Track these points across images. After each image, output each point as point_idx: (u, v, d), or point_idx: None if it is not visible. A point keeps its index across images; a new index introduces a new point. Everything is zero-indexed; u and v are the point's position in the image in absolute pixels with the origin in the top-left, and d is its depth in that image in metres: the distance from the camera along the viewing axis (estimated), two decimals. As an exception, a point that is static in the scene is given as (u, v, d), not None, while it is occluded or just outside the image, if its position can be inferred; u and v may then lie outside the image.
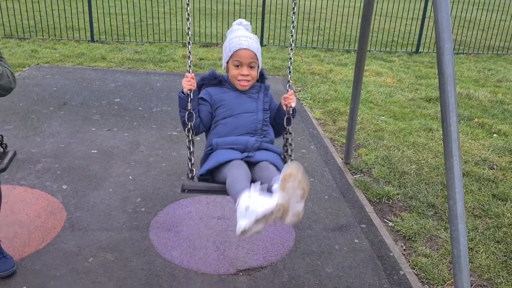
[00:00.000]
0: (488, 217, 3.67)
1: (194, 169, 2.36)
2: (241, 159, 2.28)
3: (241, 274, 2.88)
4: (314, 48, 9.99)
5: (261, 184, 2.06)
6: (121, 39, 9.64)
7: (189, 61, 2.43)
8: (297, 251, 3.13)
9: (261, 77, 2.57)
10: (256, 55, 2.40)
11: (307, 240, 3.26)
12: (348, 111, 4.52)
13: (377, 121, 5.69)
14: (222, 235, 3.26)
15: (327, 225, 3.46)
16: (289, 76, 2.62)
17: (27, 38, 9.21)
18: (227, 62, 2.44)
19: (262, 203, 1.86)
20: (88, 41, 9.38)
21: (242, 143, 2.35)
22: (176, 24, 10.75)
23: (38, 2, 11.26)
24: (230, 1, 13.98)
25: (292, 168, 1.86)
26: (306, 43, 10.29)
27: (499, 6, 12.98)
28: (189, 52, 2.42)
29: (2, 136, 2.73)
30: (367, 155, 4.71)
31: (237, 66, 2.39)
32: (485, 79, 8.21)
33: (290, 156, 2.49)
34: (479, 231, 3.47)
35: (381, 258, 3.11)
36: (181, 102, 2.39)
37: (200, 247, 3.11)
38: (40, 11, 10.27)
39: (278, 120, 2.57)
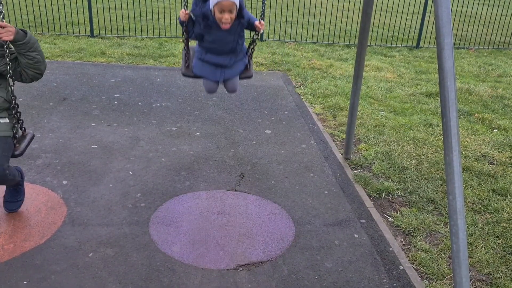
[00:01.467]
0: (488, 212, 3.67)
1: (189, 62, 3.40)
2: (215, 81, 3.37)
3: (241, 269, 2.88)
4: (314, 43, 9.97)
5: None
6: (121, 34, 9.62)
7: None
8: (297, 246, 3.14)
9: (240, 12, 3.09)
10: (235, 4, 2.99)
11: (306, 235, 3.27)
12: (348, 106, 4.52)
13: (377, 116, 5.69)
14: (222, 230, 3.27)
15: (326, 220, 3.46)
16: (263, 10, 3.30)
17: (27, 33, 9.18)
18: (213, 6, 3.01)
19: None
20: (88, 36, 9.36)
21: (221, 62, 3.31)
22: (176, 19, 10.71)
23: (38, -3, 11.23)
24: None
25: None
26: (306, 38, 10.27)
27: (500, 1, 12.93)
28: None
29: (22, 120, 3.01)
30: (367, 150, 4.71)
31: (220, 12, 2.98)
32: (486, 74, 8.20)
33: (251, 55, 3.46)
34: (479, 226, 3.47)
35: (381, 253, 3.12)
36: (180, 23, 3.20)
37: (200, 242, 3.12)
38: (39, 6, 10.24)
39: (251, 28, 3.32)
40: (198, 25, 3.16)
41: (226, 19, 3.01)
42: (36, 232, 3.11)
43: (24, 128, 3.10)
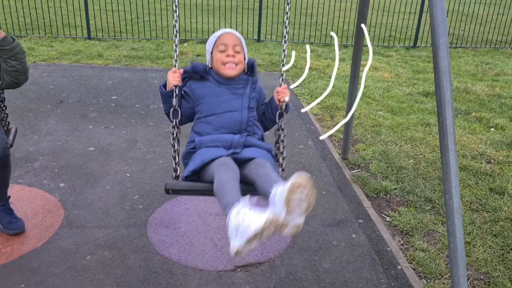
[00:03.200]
0: (485, 211, 3.68)
1: (178, 168, 2.32)
2: (228, 155, 2.20)
3: (239, 270, 2.88)
4: (312, 43, 9.97)
5: (256, 184, 2.04)
6: (118, 36, 9.61)
7: (175, 54, 2.33)
8: (295, 247, 3.13)
9: (251, 70, 2.47)
10: (240, 41, 2.36)
11: (304, 235, 3.27)
12: (346, 107, 4.52)
13: (375, 116, 5.69)
14: (219, 231, 3.27)
15: (324, 221, 3.46)
16: (283, 68, 2.48)
17: (24, 36, 9.17)
18: (211, 53, 2.38)
19: (253, 220, 1.74)
20: (85, 38, 9.35)
21: (227, 140, 2.27)
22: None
23: (34, 0, 11.21)
24: (227, -3, 13.92)
25: (302, 178, 1.74)
26: (304, 38, 10.27)
27: (496, 0, 12.97)
28: (176, 45, 2.34)
29: (7, 114, 3.07)
30: (364, 150, 4.71)
31: (222, 51, 2.33)
32: (483, 73, 8.21)
33: (282, 153, 2.36)
34: (476, 225, 3.48)
35: (379, 253, 3.12)
36: (163, 97, 2.35)
37: (198, 243, 3.12)
38: (36, 9, 10.22)
39: (269, 115, 2.48)
40: (188, 97, 2.39)
41: (231, 55, 2.29)
42: (33, 235, 3.10)
43: (8, 122, 3.11)
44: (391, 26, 11.54)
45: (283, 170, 2.35)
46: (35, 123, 5.01)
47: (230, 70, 2.32)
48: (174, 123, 2.32)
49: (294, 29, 10.88)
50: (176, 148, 2.32)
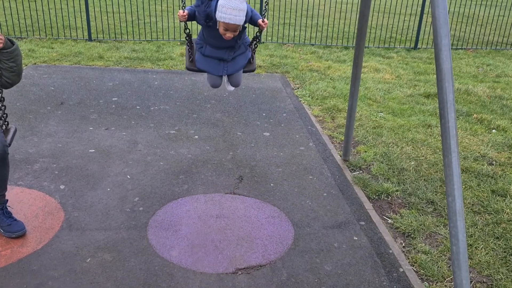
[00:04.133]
0: (488, 213, 3.66)
1: (191, 56, 3.44)
2: (218, 75, 3.42)
3: (240, 273, 2.86)
4: (313, 45, 9.97)
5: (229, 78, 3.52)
6: (119, 37, 9.61)
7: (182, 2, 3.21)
8: (296, 249, 3.12)
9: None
10: (240, 25, 3.03)
11: (306, 238, 3.25)
12: (347, 108, 4.51)
13: (376, 117, 5.68)
14: (220, 233, 3.25)
15: (326, 223, 3.45)
16: (266, 9, 3.48)
17: (24, 38, 9.17)
18: (219, 20, 3.02)
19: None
20: (86, 40, 9.34)
21: (220, 56, 3.34)
22: (174, 22, 10.72)
23: (35, 1, 11.22)
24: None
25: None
26: (305, 39, 10.26)
27: (497, 1, 12.95)
28: None
29: (6, 114, 3.11)
30: (365, 152, 4.70)
31: (225, 29, 3.02)
32: (484, 75, 8.19)
33: (254, 50, 3.49)
34: (479, 227, 3.46)
35: (380, 256, 3.10)
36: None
37: (199, 246, 3.10)
38: (37, 10, 10.23)
39: (251, 23, 3.31)
40: (200, 20, 3.18)
41: (228, 37, 3.08)
42: (33, 237, 3.09)
43: (8, 122, 3.15)
44: (392, 27, 11.54)
45: (253, 59, 3.52)
46: (35, 124, 5.00)
47: (226, 39, 3.10)
48: (187, 35, 3.35)
49: (295, 31, 10.87)
50: (189, 46, 3.46)
